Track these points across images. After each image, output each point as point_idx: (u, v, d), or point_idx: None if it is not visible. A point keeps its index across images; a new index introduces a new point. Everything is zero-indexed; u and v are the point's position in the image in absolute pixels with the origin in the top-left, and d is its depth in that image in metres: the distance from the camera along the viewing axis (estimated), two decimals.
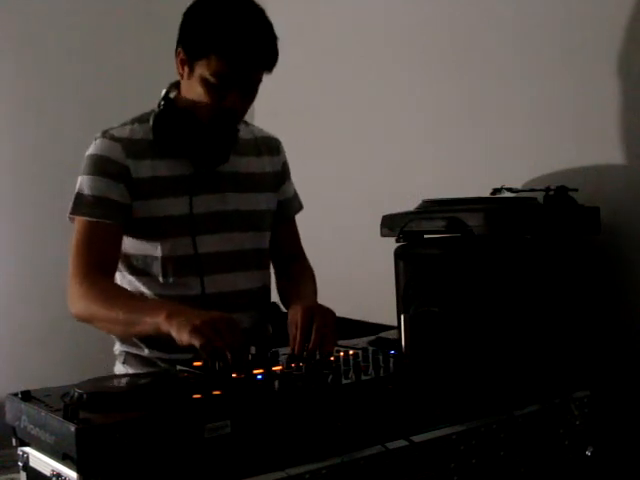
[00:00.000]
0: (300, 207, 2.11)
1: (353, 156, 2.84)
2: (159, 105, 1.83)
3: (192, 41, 1.75)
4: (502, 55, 2.25)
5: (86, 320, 1.74)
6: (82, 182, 1.81)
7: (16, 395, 1.30)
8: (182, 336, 1.49)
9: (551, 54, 2.11)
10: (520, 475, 1.56)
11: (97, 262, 1.76)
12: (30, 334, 3.12)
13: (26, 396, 1.29)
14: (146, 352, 1.85)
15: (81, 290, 1.72)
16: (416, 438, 1.39)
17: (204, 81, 1.74)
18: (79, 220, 1.80)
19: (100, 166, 1.80)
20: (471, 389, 1.52)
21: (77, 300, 1.73)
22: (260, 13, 1.77)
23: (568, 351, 1.74)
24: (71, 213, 1.81)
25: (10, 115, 3.17)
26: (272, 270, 2.07)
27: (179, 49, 1.79)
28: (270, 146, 2.03)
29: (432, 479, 1.41)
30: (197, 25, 1.76)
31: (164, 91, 1.85)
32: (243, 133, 1.93)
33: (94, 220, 1.78)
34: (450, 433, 1.45)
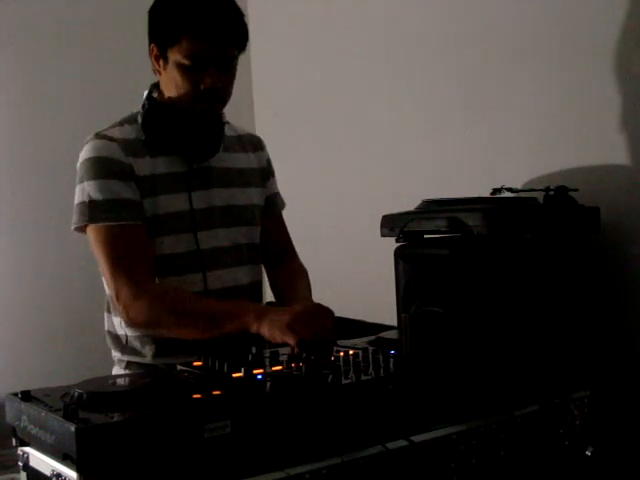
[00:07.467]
0: (284, 204, 2.10)
1: (353, 156, 2.84)
2: (143, 106, 1.83)
3: (161, 31, 1.76)
4: (502, 55, 2.25)
5: (151, 327, 1.75)
6: (89, 188, 1.74)
7: (16, 395, 1.30)
8: (275, 335, 1.57)
9: (551, 54, 2.11)
10: (520, 475, 1.56)
11: (140, 268, 1.73)
12: (30, 334, 3.11)
13: (26, 396, 1.29)
14: (148, 359, 1.84)
15: (141, 302, 1.70)
16: (416, 438, 1.39)
17: (179, 66, 1.74)
18: (99, 228, 1.73)
19: (104, 168, 1.75)
20: (471, 389, 1.52)
21: (139, 312, 1.70)
22: None
23: (568, 351, 1.74)
24: (87, 222, 1.73)
25: (9, 114, 3.16)
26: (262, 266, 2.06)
27: (151, 46, 1.79)
28: (254, 143, 2.04)
29: (432, 479, 1.42)
30: (164, 15, 1.76)
31: (146, 92, 1.85)
32: (226, 131, 1.93)
33: (117, 224, 1.72)
34: (450, 433, 1.45)
